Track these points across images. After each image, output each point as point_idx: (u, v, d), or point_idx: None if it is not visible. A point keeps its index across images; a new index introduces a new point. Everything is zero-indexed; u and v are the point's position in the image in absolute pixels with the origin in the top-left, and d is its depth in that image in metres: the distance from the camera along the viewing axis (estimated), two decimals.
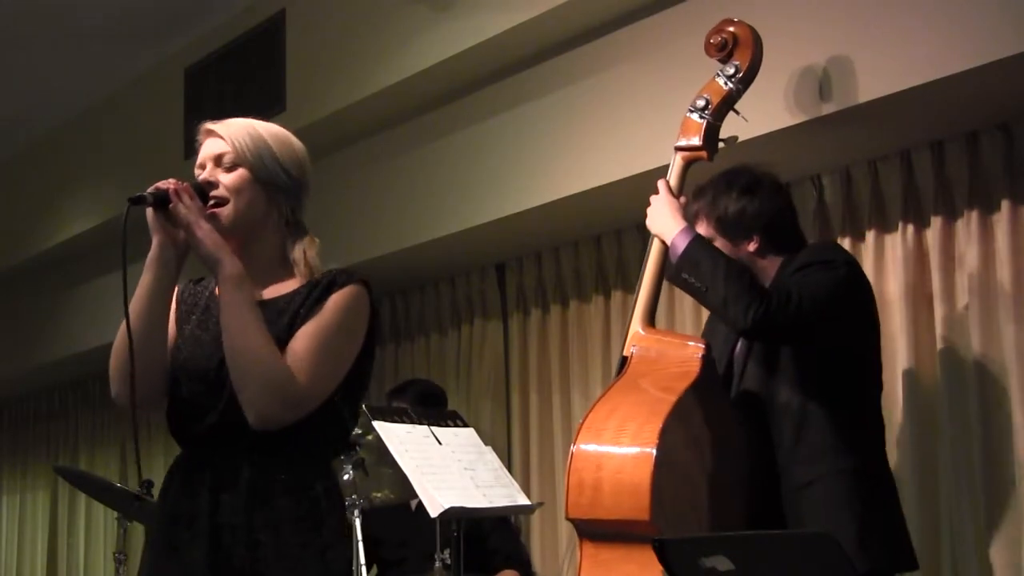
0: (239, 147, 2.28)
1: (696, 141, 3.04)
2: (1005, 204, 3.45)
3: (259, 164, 2.29)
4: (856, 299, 2.90)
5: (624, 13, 3.96)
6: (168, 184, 2.22)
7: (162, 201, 2.21)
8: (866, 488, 2.83)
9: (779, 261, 2.96)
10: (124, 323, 2.21)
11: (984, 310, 3.46)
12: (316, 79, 4.98)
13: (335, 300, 2.26)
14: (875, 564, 2.76)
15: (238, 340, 2.18)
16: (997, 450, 3.40)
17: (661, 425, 2.66)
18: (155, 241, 2.24)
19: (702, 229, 2.99)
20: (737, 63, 3.09)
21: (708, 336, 3.07)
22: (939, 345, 3.56)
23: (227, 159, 2.28)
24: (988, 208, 3.51)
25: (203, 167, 2.31)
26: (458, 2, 4.33)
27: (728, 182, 3.01)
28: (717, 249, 2.89)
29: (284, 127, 2.43)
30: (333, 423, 2.30)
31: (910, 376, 3.60)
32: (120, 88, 6.31)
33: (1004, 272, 3.43)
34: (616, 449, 2.70)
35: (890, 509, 2.89)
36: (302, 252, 2.33)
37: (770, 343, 2.87)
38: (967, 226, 3.53)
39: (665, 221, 2.95)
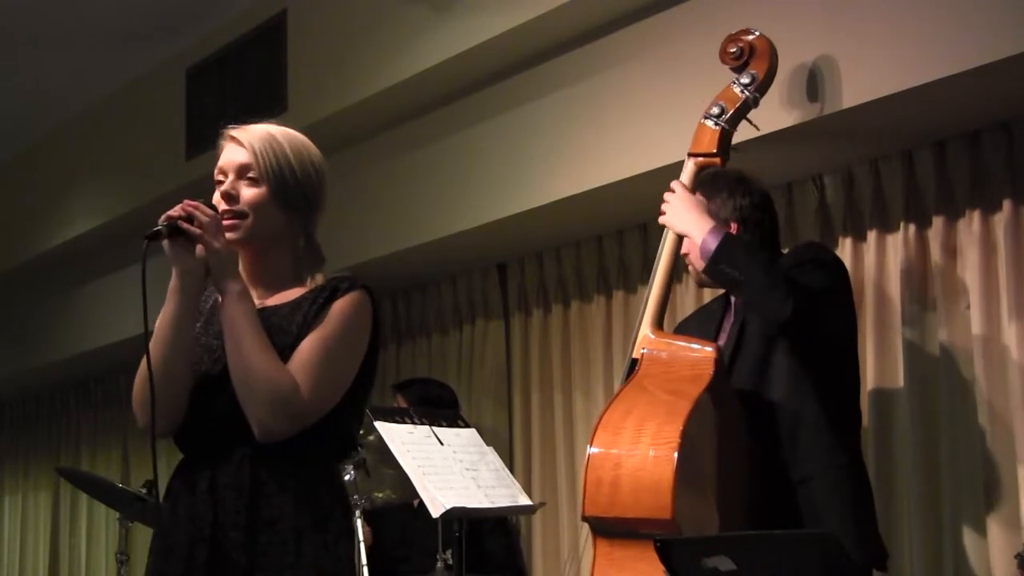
0: (263, 166, 2.28)
1: (711, 147, 3.09)
2: (1007, 204, 3.45)
3: (281, 185, 2.29)
4: (847, 299, 3.01)
5: (624, 13, 3.96)
6: (176, 210, 2.21)
7: (175, 229, 2.21)
8: (858, 484, 2.93)
9: None
10: (146, 355, 2.21)
11: (986, 310, 3.46)
12: (317, 80, 4.98)
13: (338, 308, 2.26)
14: (871, 557, 2.87)
15: (243, 355, 2.18)
16: (998, 450, 3.40)
17: (682, 426, 2.70)
18: (175, 271, 2.24)
19: None
20: (754, 72, 3.16)
21: (682, 332, 3.16)
22: (940, 345, 3.56)
23: (251, 174, 2.28)
24: (989, 208, 3.50)
25: (224, 175, 2.31)
26: (458, 3, 4.32)
27: (714, 178, 3.10)
28: (750, 243, 2.95)
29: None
30: (337, 429, 2.30)
31: (911, 376, 3.60)
32: (121, 88, 6.29)
33: (1006, 272, 3.43)
34: (636, 448, 2.73)
35: (872, 503, 2.98)
36: (311, 272, 2.34)
37: (797, 333, 2.88)
38: (968, 226, 3.53)
39: (692, 219, 2.98)
